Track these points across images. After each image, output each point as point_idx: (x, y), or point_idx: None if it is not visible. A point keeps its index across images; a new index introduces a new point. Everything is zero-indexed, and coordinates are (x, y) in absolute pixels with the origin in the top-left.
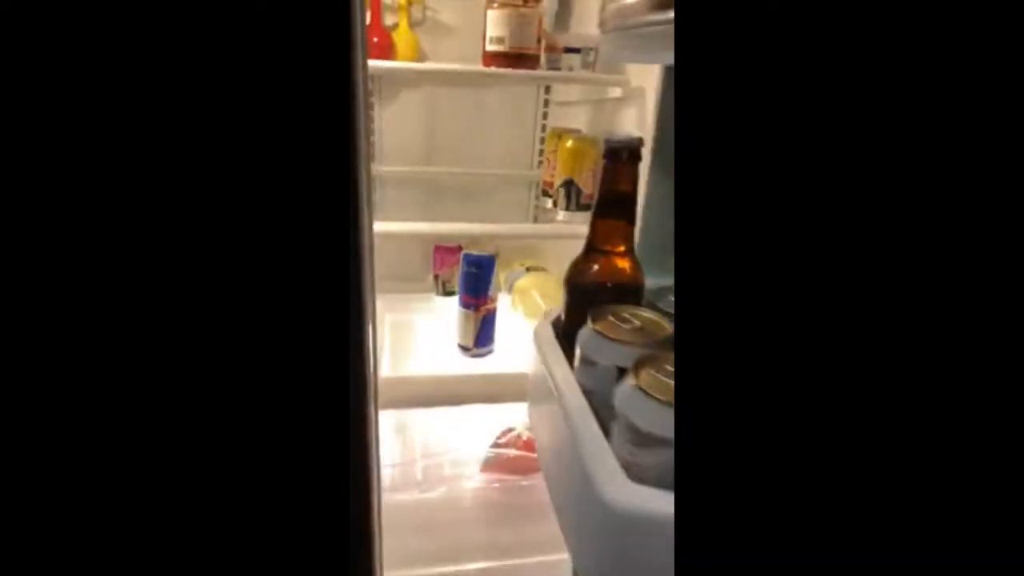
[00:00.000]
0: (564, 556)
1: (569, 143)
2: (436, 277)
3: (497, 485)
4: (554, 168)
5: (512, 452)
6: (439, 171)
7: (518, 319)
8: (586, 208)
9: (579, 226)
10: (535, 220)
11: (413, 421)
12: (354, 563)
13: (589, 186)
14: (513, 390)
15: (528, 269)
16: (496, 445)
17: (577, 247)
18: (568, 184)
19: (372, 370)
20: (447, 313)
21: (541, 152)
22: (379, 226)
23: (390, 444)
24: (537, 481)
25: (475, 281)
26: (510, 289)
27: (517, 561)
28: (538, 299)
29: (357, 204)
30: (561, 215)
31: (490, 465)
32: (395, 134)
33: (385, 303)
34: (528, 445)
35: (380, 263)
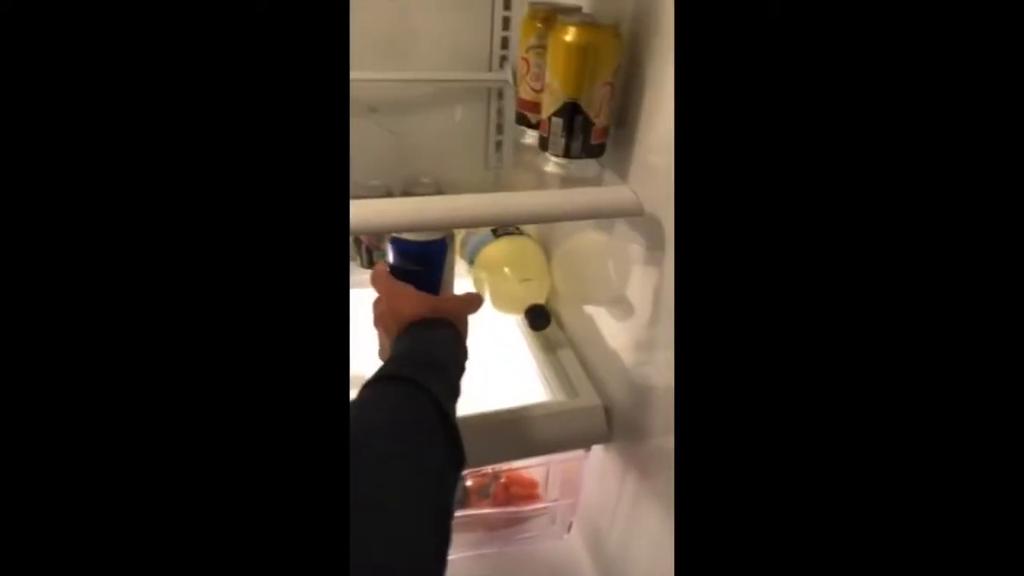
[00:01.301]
0: None
1: (568, 35)
2: (357, 242)
3: (471, 555)
4: (540, 80)
5: (484, 511)
6: None
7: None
8: (598, 151)
9: (587, 191)
10: (497, 150)
11: None
12: None
13: (605, 114)
14: (483, 431)
15: (496, 231)
16: (461, 503)
17: None
18: (569, 111)
19: None
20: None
21: (504, 44)
22: None
23: None
24: (538, 534)
25: (419, 281)
26: (470, 262)
27: None
28: (512, 279)
29: None
30: (553, 163)
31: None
32: None
33: None
34: (510, 491)
35: None
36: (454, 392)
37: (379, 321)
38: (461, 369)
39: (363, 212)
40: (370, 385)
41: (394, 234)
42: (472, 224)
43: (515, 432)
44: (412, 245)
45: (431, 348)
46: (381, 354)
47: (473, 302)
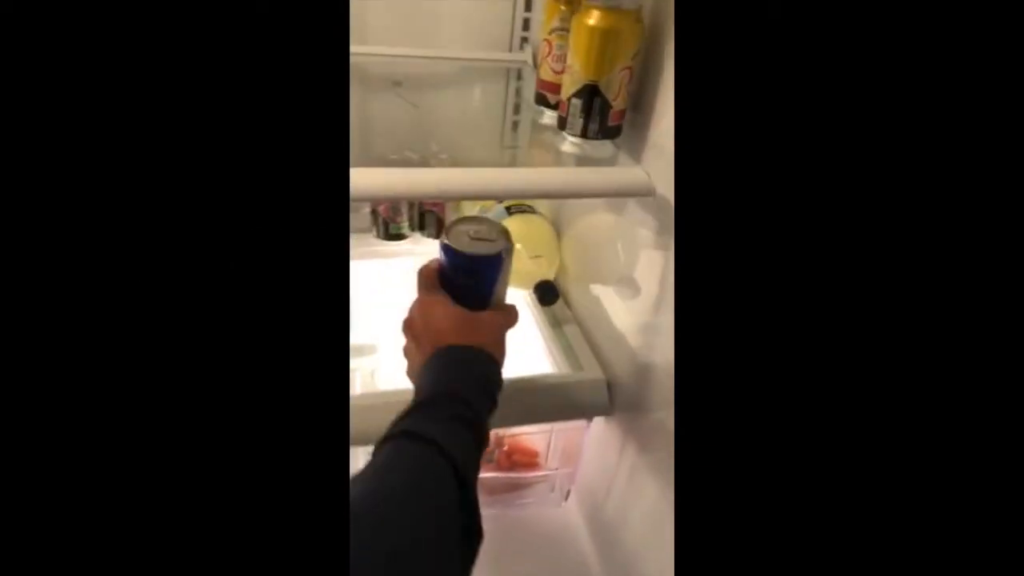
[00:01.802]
0: None
1: (592, 19)
2: (374, 213)
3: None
4: (562, 61)
5: (486, 475)
6: (366, 54)
7: None
8: (614, 133)
9: (601, 170)
10: (514, 129)
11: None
12: None
13: (623, 97)
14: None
15: (510, 209)
16: None
17: None
18: (589, 93)
19: None
20: (397, 265)
21: (525, 25)
22: None
23: None
24: (535, 500)
25: (467, 294)
26: None
27: None
28: (523, 255)
29: None
30: (569, 143)
31: None
32: None
33: None
34: (513, 458)
35: None
36: (481, 442)
37: (408, 326)
38: (494, 404)
39: (377, 180)
40: (392, 440)
41: (445, 240)
42: (486, 195)
43: (522, 400)
44: (468, 257)
45: (460, 389)
46: (406, 355)
47: (511, 318)
